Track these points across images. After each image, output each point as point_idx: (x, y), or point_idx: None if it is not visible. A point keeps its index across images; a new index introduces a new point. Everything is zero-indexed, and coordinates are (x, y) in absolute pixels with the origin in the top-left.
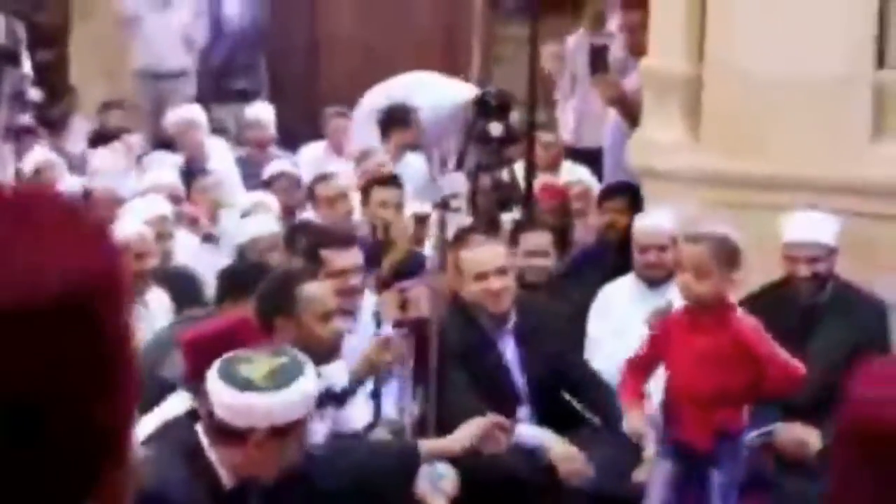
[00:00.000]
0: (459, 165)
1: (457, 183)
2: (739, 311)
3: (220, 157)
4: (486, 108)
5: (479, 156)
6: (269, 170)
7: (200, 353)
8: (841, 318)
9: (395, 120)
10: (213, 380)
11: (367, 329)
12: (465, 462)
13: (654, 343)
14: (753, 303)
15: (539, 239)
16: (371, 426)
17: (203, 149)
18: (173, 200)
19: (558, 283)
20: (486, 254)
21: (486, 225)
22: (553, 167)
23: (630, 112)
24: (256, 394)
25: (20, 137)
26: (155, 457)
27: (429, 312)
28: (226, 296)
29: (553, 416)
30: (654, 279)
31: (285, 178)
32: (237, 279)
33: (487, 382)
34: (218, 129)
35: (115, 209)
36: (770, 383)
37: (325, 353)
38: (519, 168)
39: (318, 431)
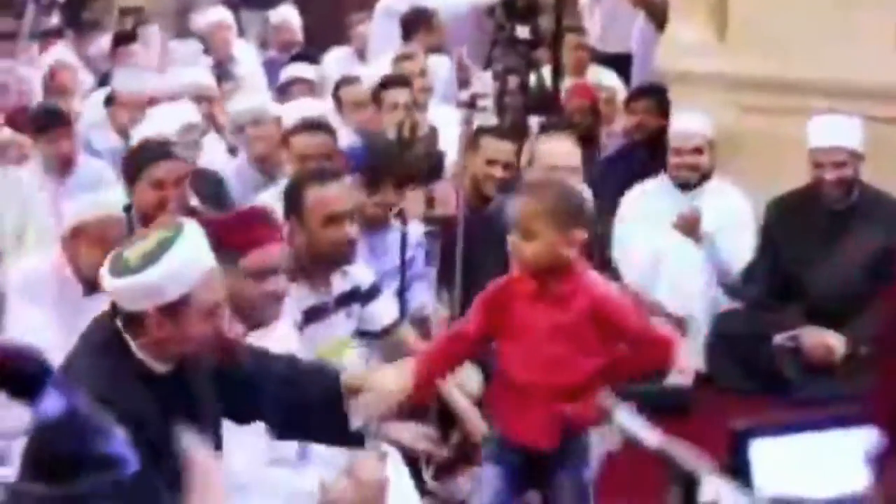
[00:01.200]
0: (486, 68)
1: (483, 83)
2: (595, 276)
3: (248, 60)
4: (513, 10)
5: (506, 59)
6: (284, 75)
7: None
8: (868, 222)
9: (417, 22)
10: (102, 269)
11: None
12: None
13: (484, 312)
14: (781, 207)
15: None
16: (397, 323)
17: (230, 52)
18: (205, 101)
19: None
20: (562, 148)
21: (513, 127)
22: (580, 69)
23: (657, 14)
24: (130, 277)
25: (46, 39)
26: (80, 358)
27: (454, 210)
28: None
29: None
30: (687, 182)
31: (300, 84)
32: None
33: None
34: (244, 34)
35: (140, 109)
36: (641, 361)
37: (333, 257)
38: (546, 72)
39: (345, 328)
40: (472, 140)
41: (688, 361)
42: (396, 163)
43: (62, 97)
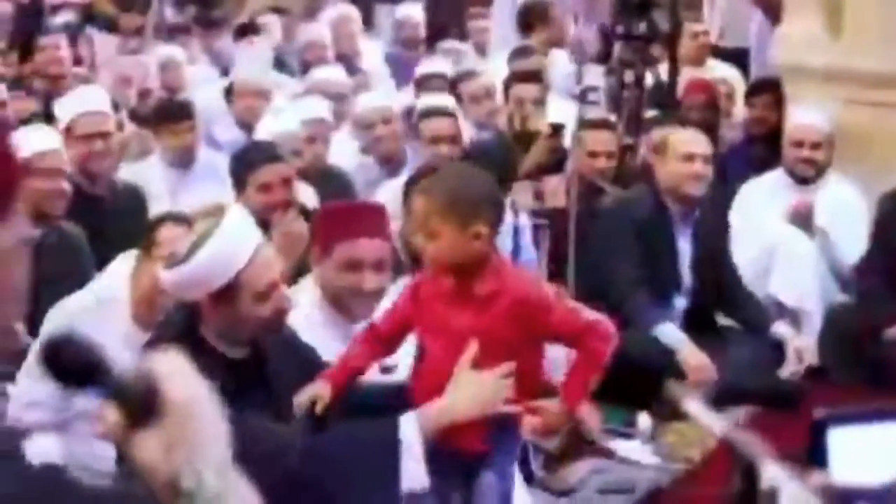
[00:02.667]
0: (602, 61)
1: (595, 76)
2: (518, 272)
3: (372, 55)
4: (628, 6)
5: (622, 53)
6: (421, 69)
7: (323, 222)
8: None
9: (535, 16)
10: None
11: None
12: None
13: (401, 310)
14: (894, 201)
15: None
16: None
17: (356, 46)
18: (337, 99)
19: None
20: (697, 138)
21: (630, 120)
22: (698, 60)
23: (773, 9)
24: (173, 270)
25: (173, 35)
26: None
27: (564, 203)
28: None
29: (705, 313)
30: (804, 176)
31: (436, 79)
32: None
33: (655, 264)
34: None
35: (261, 100)
36: (587, 356)
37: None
38: (663, 69)
39: None
40: (575, 134)
41: (802, 354)
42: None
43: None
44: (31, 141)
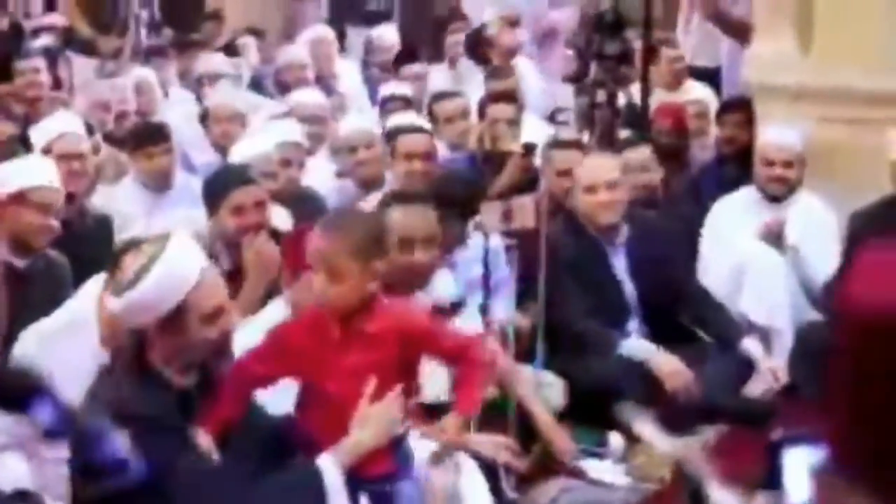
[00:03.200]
0: (576, 81)
1: (565, 96)
2: (394, 303)
3: (350, 77)
4: (601, 25)
5: (595, 73)
6: (383, 91)
7: (294, 246)
8: None
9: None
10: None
11: (475, 241)
12: (570, 373)
13: (268, 363)
14: (864, 219)
15: (641, 154)
16: (480, 336)
17: (332, 68)
18: (316, 122)
19: (673, 201)
20: (597, 166)
21: (602, 139)
22: (676, 84)
23: (735, 31)
24: (117, 298)
25: (150, 58)
26: (106, 377)
27: (533, 223)
28: None
29: (663, 331)
30: (776, 194)
31: (397, 101)
32: None
33: (598, 293)
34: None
35: (235, 125)
36: (468, 369)
37: (404, 281)
38: (635, 89)
39: None
40: (544, 153)
41: (777, 373)
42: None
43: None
44: (29, 173)
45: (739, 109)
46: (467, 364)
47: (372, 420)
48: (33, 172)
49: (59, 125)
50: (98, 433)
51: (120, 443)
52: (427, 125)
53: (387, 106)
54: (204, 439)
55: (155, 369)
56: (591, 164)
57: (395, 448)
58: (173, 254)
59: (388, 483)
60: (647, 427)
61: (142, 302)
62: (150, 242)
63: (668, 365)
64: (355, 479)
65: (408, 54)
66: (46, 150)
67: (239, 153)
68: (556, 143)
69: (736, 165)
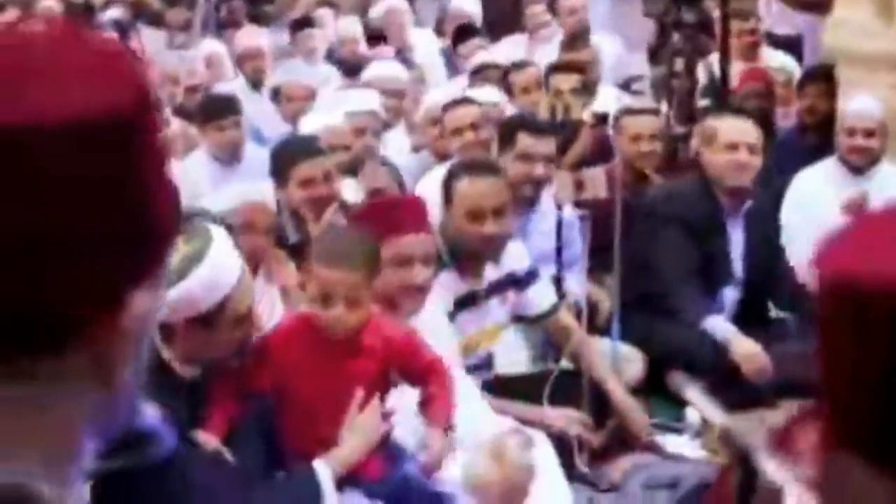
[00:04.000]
0: (654, 51)
1: (639, 65)
2: (383, 320)
3: (426, 48)
4: None
5: (673, 43)
6: (474, 61)
7: (367, 219)
8: None
9: None
10: None
11: (549, 212)
12: (648, 344)
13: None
14: None
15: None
16: (554, 309)
17: (407, 39)
18: (395, 95)
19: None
20: (743, 126)
21: (680, 109)
22: (749, 55)
23: (816, 6)
24: None
25: (222, 31)
26: None
27: (605, 193)
28: None
29: (757, 305)
30: (858, 164)
31: (489, 70)
32: None
33: (705, 258)
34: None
35: (306, 100)
36: (437, 388)
37: (476, 251)
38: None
39: (499, 315)
40: (616, 121)
41: None
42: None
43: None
44: None
45: (821, 78)
46: (435, 384)
47: (360, 428)
48: None
49: None
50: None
51: (151, 413)
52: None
53: (477, 75)
54: (210, 439)
55: (167, 364)
56: (734, 124)
57: (384, 450)
58: (218, 254)
59: (386, 484)
60: (697, 397)
61: (181, 299)
62: (190, 239)
63: (746, 348)
64: (354, 485)
65: (468, 31)
66: None
67: (308, 125)
68: (628, 111)
69: (818, 135)
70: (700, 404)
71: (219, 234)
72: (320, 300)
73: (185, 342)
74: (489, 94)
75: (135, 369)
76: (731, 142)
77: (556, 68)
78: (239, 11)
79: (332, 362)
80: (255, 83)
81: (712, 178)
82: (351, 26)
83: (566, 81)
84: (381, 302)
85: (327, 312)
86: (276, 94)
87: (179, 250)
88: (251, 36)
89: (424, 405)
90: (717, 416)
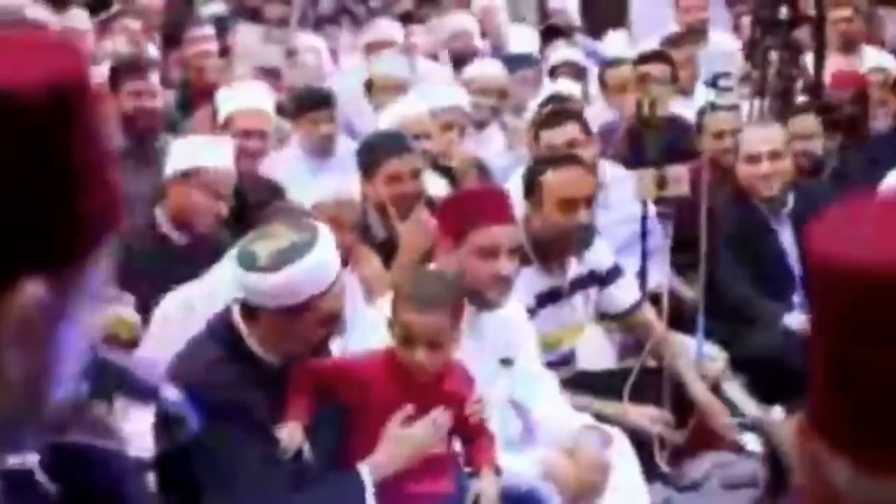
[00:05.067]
0: (749, 49)
1: (727, 62)
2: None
3: (524, 43)
4: None
5: (766, 39)
6: (554, 58)
7: (453, 211)
8: None
9: None
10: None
11: (626, 208)
12: (732, 345)
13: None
14: None
15: (804, 121)
16: (637, 305)
17: (503, 35)
18: (496, 95)
19: (845, 171)
20: (760, 136)
21: (774, 106)
22: (847, 48)
23: None
24: (256, 274)
25: (321, 26)
26: (196, 342)
27: (688, 191)
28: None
29: None
30: None
31: (568, 66)
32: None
33: (762, 265)
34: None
35: (400, 94)
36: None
37: (566, 241)
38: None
39: (582, 312)
40: (700, 118)
41: None
42: None
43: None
44: (204, 152)
45: None
46: (483, 439)
47: (407, 440)
48: (208, 152)
49: (247, 99)
50: (152, 390)
51: (175, 396)
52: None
53: (557, 72)
54: (294, 430)
55: (250, 349)
56: (753, 134)
57: (451, 471)
58: (321, 253)
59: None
60: (735, 391)
61: (276, 287)
62: (298, 229)
63: None
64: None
65: (556, 31)
66: (227, 122)
67: (388, 116)
68: (711, 108)
69: None
70: (737, 398)
71: (325, 231)
72: (403, 341)
73: (268, 329)
74: (568, 87)
75: (36, 362)
76: (751, 153)
77: (642, 59)
78: (338, 7)
79: (414, 402)
80: None
81: (745, 190)
82: (465, 21)
83: (655, 70)
84: (468, 294)
85: (410, 354)
86: (370, 87)
87: (286, 238)
88: (385, 29)
89: (474, 454)
90: (752, 409)
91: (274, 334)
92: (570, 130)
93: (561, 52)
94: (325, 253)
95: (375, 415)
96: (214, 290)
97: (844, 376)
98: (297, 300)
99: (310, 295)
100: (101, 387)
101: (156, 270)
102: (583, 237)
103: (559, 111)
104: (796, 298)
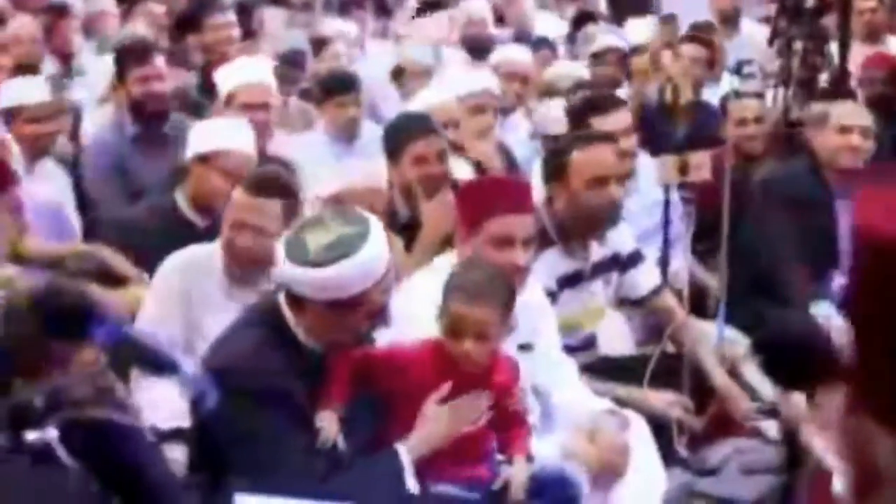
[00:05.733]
0: (773, 37)
1: (749, 49)
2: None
3: (549, 30)
4: None
5: (791, 27)
6: (598, 44)
7: (471, 198)
8: None
9: None
10: (279, 244)
11: (649, 193)
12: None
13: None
14: None
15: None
16: (658, 290)
17: (526, 21)
18: (520, 81)
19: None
20: (856, 110)
21: (800, 95)
22: (873, 37)
23: None
24: (305, 269)
25: (346, 9)
26: (240, 325)
27: (709, 176)
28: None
29: None
30: None
31: (612, 53)
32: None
33: (814, 239)
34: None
35: (427, 79)
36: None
37: (597, 219)
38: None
39: (602, 296)
40: (723, 105)
41: None
42: None
43: None
44: (224, 135)
45: None
46: (519, 430)
47: (444, 417)
48: (228, 134)
49: (247, 71)
50: (172, 365)
51: (193, 370)
52: None
53: (599, 59)
54: (329, 419)
55: (295, 336)
56: (848, 107)
57: (490, 458)
58: (373, 245)
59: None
60: (752, 372)
61: (327, 282)
62: (349, 222)
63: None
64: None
65: (587, 17)
66: (230, 98)
67: (418, 102)
68: (734, 94)
69: None
70: (754, 380)
71: (376, 223)
72: (451, 333)
73: (315, 319)
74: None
75: None
76: (843, 125)
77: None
78: None
79: (461, 392)
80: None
81: (823, 160)
82: (479, 8)
83: (690, 49)
84: None
85: (457, 346)
86: (398, 74)
87: (332, 230)
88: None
89: (509, 441)
90: (769, 391)
91: (321, 325)
92: (623, 118)
93: (603, 38)
94: (376, 247)
95: (419, 404)
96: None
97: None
98: (347, 294)
99: (360, 289)
100: (121, 361)
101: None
102: (613, 215)
103: (607, 97)
104: (834, 277)
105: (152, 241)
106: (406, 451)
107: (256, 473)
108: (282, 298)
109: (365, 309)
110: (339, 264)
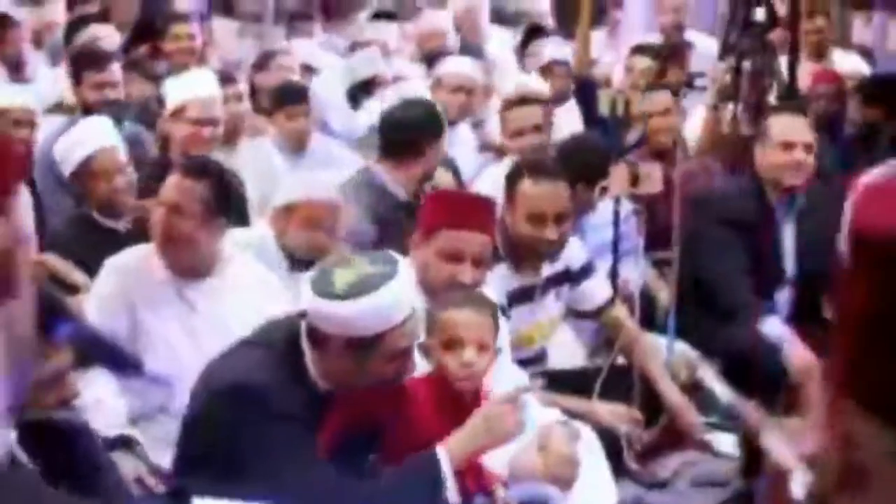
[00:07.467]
0: (724, 51)
1: (702, 61)
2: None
3: (499, 42)
4: None
5: (741, 41)
6: (546, 54)
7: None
8: None
9: None
10: (305, 278)
11: (608, 206)
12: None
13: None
14: None
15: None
16: (609, 303)
17: (480, 34)
18: (466, 93)
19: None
20: (795, 124)
21: (747, 108)
22: (819, 54)
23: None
24: (329, 301)
25: (293, 22)
26: (257, 351)
27: (660, 189)
28: None
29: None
30: None
31: (558, 66)
32: None
33: (757, 257)
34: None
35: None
36: None
37: (532, 253)
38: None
39: (554, 309)
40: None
41: None
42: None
43: None
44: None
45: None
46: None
47: (497, 420)
48: (190, 86)
49: (197, 84)
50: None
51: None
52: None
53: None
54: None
55: (308, 374)
56: (788, 122)
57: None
58: (398, 286)
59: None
60: (708, 375)
61: (348, 317)
62: (377, 262)
63: (799, 359)
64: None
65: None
66: (178, 111)
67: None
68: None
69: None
70: (711, 384)
71: (404, 265)
72: (448, 346)
73: (336, 360)
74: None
75: None
76: (786, 140)
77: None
78: (314, 3)
79: (459, 418)
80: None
81: (765, 177)
82: (440, 20)
83: (640, 62)
84: (428, 294)
85: (457, 358)
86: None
87: (361, 265)
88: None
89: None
90: (727, 395)
91: (338, 365)
92: (535, 113)
93: (550, 49)
94: (401, 287)
95: (414, 435)
96: None
97: (879, 340)
98: (368, 333)
99: (381, 329)
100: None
101: None
102: (548, 252)
103: (525, 96)
104: (779, 296)
105: (76, 251)
106: (445, 453)
107: (241, 482)
108: (303, 331)
109: (384, 351)
110: (361, 299)
